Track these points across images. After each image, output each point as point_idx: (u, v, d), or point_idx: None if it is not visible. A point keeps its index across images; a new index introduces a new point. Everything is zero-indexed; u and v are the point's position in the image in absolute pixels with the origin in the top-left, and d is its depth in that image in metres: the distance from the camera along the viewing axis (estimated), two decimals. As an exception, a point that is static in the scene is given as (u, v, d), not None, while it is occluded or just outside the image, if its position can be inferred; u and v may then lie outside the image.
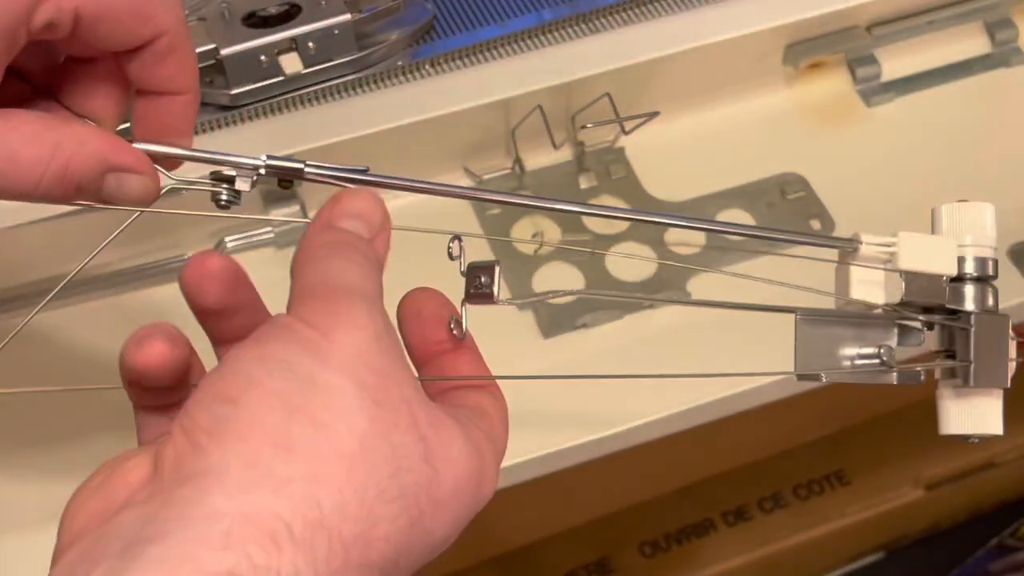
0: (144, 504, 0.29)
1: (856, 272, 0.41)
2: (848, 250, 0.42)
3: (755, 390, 0.57)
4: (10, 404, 0.57)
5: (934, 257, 0.42)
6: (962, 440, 0.43)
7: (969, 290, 0.42)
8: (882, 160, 0.68)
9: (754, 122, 0.69)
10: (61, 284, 0.39)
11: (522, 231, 0.63)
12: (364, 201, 0.34)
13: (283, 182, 0.38)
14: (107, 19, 0.35)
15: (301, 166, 0.38)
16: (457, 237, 0.38)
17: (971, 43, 0.72)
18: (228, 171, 0.38)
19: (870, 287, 0.41)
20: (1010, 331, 0.42)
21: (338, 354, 0.29)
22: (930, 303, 0.42)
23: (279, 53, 0.61)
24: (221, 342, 0.37)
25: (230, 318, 0.36)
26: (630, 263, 0.61)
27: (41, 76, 0.38)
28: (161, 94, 0.38)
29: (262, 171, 0.38)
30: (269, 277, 0.63)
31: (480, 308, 0.38)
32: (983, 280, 0.42)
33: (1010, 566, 1.09)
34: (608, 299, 0.60)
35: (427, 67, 0.64)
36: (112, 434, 0.56)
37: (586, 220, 0.64)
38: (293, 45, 0.61)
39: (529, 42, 0.66)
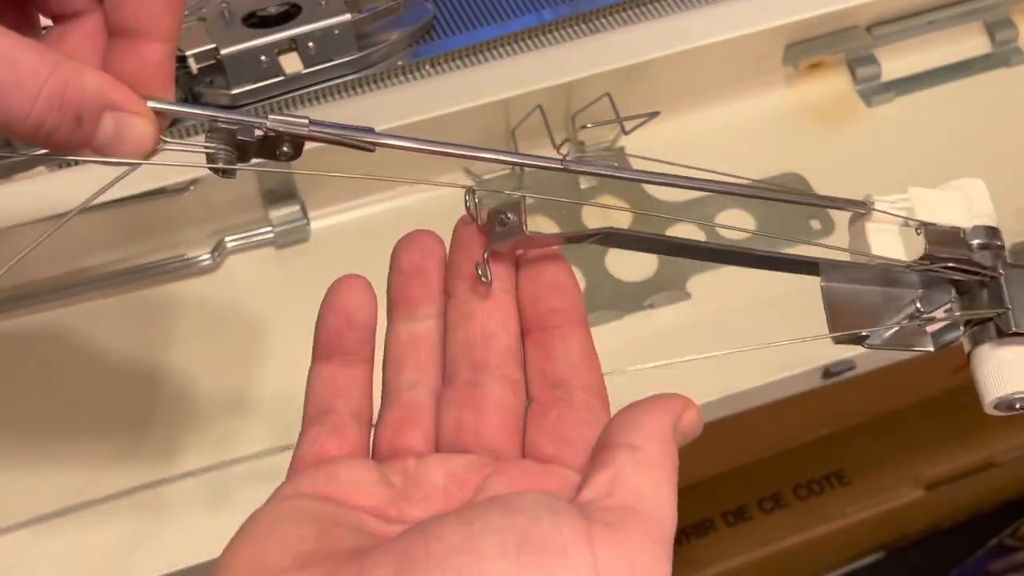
0: None
1: (873, 226, 0.41)
2: (861, 213, 0.41)
3: (755, 390, 0.57)
4: (10, 408, 0.58)
5: (949, 210, 0.41)
6: (1008, 409, 0.41)
7: (982, 254, 0.41)
8: (882, 160, 0.68)
9: (754, 122, 0.69)
10: (27, 250, 0.36)
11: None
12: (699, 420, 0.34)
13: (285, 147, 0.36)
14: None
15: (305, 120, 0.36)
16: (471, 190, 0.36)
17: (971, 43, 0.72)
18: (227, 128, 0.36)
19: (889, 239, 0.41)
20: None
21: None
22: (954, 256, 0.41)
23: (279, 53, 0.61)
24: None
25: None
26: (630, 263, 0.61)
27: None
28: (137, 38, 0.35)
29: (266, 127, 0.36)
30: (269, 277, 0.63)
31: None
32: (992, 248, 0.41)
33: (1010, 566, 1.09)
34: (614, 291, 0.59)
35: (427, 67, 0.64)
36: (112, 438, 0.56)
37: (584, 216, 0.64)
38: (293, 45, 0.61)
39: (529, 42, 0.66)
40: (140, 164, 0.35)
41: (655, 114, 0.63)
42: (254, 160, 0.37)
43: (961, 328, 0.41)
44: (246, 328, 0.60)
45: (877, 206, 0.41)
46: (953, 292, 0.41)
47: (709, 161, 0.67)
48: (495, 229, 0.36)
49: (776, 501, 1.01)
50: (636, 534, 0.29)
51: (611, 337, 0.59)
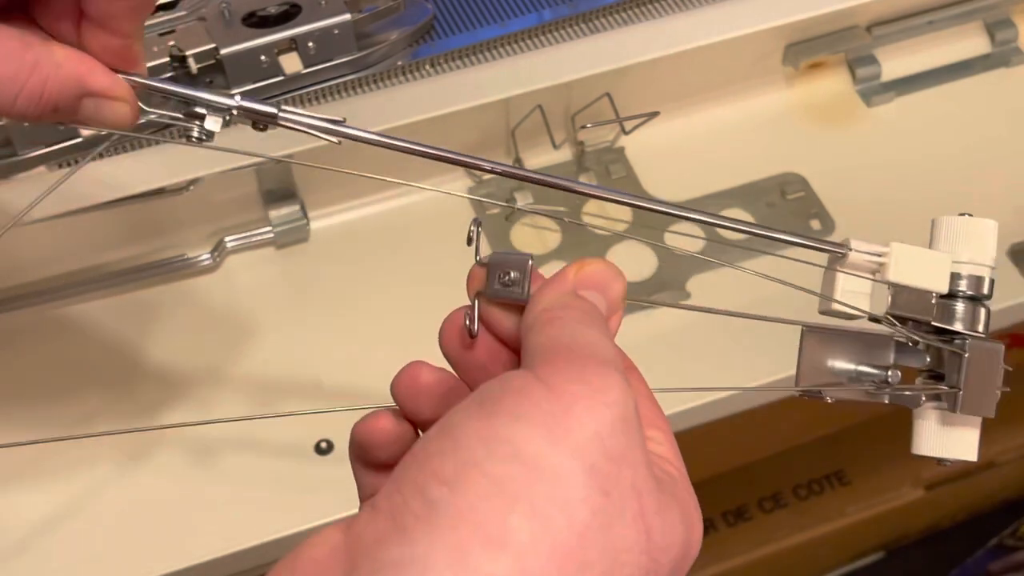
0: None
1: (843, 280, 0.40)
2: (837, 255, 0.40)
3: (755, 390, 0.57)
4: (10, 406, 0.58)
5: (925, 272, 0.40)
6: (934, 461, 0.41)
7: (960, 308, 0.40)
8: (882, 160, 0.68)
9: (754, 122, 0.69)
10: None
11: (521, 233, 0.63)
12: (608, 275, 0.33)
13: (257, 125, 0.38)
14: None
15: (275, 111, 0.38)
16: (476, 222, 0.35)
17: (971, 43, 0.72)
18: (200, 110, 0.38)
19: (855, 295, 0.40)
20: (1002, 361, 0.40)
21: (574, 434, 0.27)
22: (915, 318, 0.40)
23: (279, 53, 0.61)
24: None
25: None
26: (630, 264, 0.61)
27: None
28: (105, 29, 0.37)
29: (235, 111, 0.38)
30: (269, 277, 0.63)
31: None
32: (976, 300, 0.40)
33: (1010, 566, 1.09)
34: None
35: (427, 67, 0.64)
36: (111, 436, 0.56)
37: (583, 214, 0.64)
38: (293, 45, 0.61)
39: (529, 42, 0.66)
40: (120, 134, 0.40)
41: (655, 114, 0.63)
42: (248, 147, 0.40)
43: (921, 397, 0.40)
44: (246, 327, 0.60)
45: (851, 256, 0.40)
46: (926, 357, 0.41)
47: (709, 161, 0.68)
48: (494, 283, 0.33)
49: (776, 501, 1.01)
50: (589, 361, 0.29)
51: (611, 337, 0.59)
